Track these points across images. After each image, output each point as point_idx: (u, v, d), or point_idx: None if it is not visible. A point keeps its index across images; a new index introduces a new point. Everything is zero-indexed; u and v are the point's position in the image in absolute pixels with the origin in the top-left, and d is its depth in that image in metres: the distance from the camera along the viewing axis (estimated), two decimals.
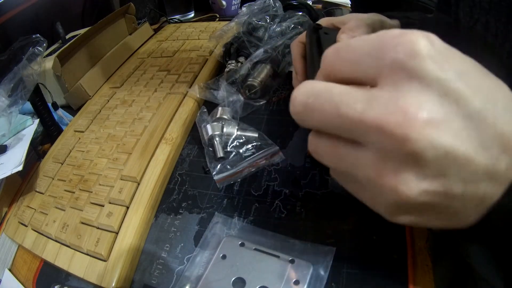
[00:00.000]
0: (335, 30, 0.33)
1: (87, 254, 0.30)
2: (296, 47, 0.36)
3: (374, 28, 0.32)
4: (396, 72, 0.14)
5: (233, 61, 0.49)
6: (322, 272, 0.25)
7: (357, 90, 0.15)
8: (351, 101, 0.15)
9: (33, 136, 0.41)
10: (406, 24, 0.37)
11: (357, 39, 0.16)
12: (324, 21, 0.35)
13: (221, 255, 0.27)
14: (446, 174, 0.14)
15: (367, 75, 0.15)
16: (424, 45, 0.14)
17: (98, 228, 0.32)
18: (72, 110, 0.52)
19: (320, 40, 0.31)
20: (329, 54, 0.17)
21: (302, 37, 0.36)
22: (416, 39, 0.14)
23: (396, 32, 0.14)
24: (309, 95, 0.16)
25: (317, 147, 0.17)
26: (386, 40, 0.14)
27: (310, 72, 0.29)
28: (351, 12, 0.66)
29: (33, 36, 0.46)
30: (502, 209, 0.15)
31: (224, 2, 0.75)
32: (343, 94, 0.15)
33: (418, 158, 0.14)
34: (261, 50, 0.46)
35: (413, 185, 0.14)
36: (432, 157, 0.14)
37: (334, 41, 0.31)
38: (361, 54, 0.15)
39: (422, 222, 0.17)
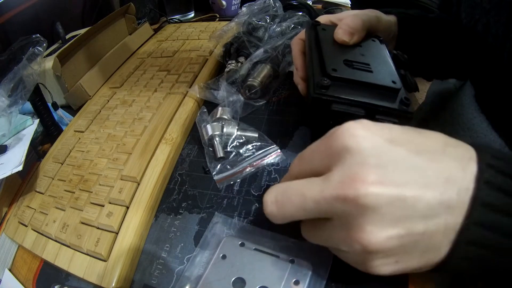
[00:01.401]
0: (333, 26, 0.33)
1: (87, 254, 0.30)
2: (296, 44, 0.37)
3: (370, 23, 0.33)
4: (341, 157, 0.19)
5: (233, 61, 0.49)
6: (322, 272, 0.25)
7: (313, 178, 0.20)
8: (311, 186, 0.19)
9: (33, 136, 0.41)
10: (403, 20, 0.37)
11: (310, 146, 0.22)
12: (322, 18, 0.36)
13: (221, 255, 0.27)
14: (403, 217, 0.17)
15: (321, 166, 0.20)
16: (360, 139, 0.18)
17: (98, 228, 0.32)
18: (72, 110, 0.52)
19: (318, 36, 0.32)
20: (294, 162, 0.23)
21: (302, 34, 0.37)
22: (351, 136, 0.19)
23: (336, 134, 0.19)
24: (277, 193, 0.21)
25: (304, 233, 0.23)
26: (331, 140, 0.20)
27: (309, 67, 0.29)
28: None
29: (33, 36, 0.46)
30: (467, 239, 0.17)
31: (224, 2, 0.75)
32: (303, 184, 0.20)
33: (372, 209, 0.17)
34: (261, 50, 0.46)
35: (378, 234, 0.17)
36: (383, 205, 0.17)
37: (331, 36, 0.32)
38: (314, 155, 0.21)
39: (401, 267, 0.19)
